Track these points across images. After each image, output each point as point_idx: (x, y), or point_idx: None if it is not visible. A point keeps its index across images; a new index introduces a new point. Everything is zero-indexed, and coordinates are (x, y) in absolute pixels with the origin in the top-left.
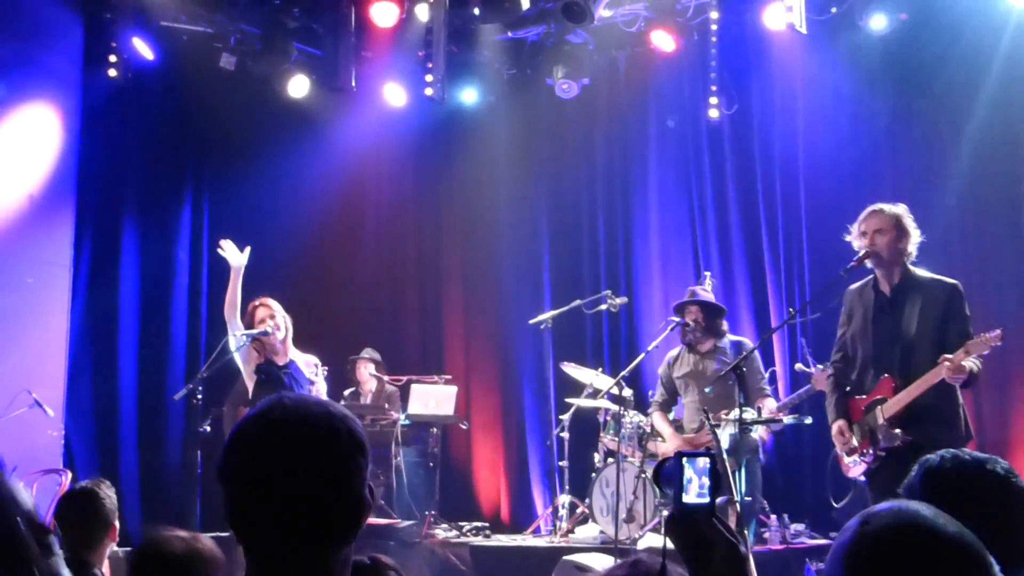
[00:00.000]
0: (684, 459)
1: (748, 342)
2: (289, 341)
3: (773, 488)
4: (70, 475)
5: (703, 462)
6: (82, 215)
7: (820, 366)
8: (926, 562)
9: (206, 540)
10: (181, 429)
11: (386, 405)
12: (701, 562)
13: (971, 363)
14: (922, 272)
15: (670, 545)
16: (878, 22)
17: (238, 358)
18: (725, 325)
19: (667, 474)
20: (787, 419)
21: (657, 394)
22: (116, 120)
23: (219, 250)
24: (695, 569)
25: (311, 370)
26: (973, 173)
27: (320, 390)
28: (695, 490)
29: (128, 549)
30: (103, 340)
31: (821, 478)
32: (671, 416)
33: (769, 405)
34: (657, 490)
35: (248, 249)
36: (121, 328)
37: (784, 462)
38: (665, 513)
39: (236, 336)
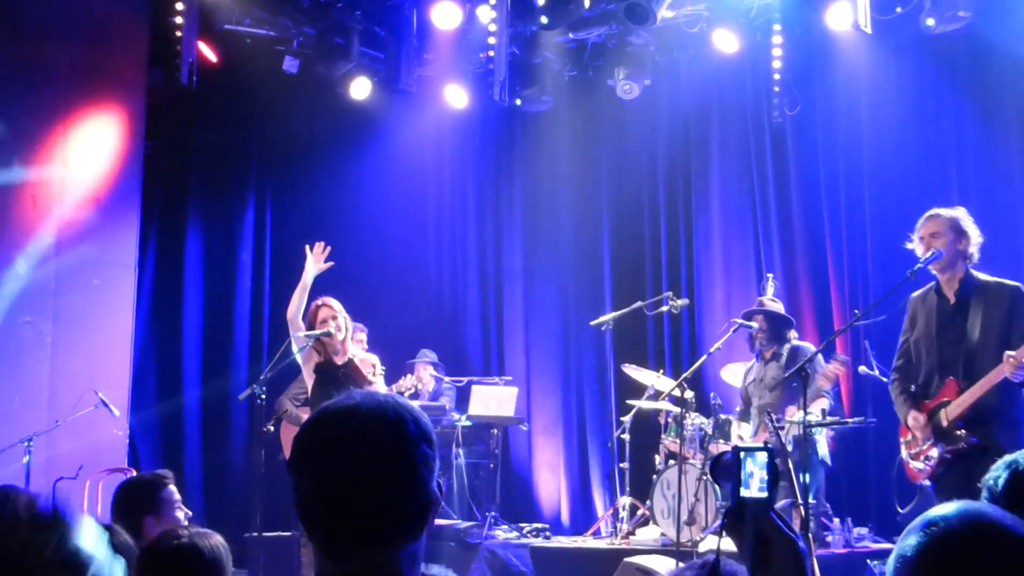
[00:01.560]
0: (743, 453)
1: (809, 346)
2: (349, 341)
3: (837, 492)
4: (134, 474)
5: (762, 456)
6: (147, 217)
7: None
8: (997, 562)
9: (212, 537)
10: (244, 429)
11: (444, 402)
12: (760, 557)
13: None
14: (984, 276)
15: (727, 540)
16: (942, 21)
17: (299, 358)
18: (793, 333)
19: (724, 468)
20: (852, 421)
21: (740, 404)
22: (180, 123)
23: (307, 248)
24: (754, 564)
25: (369, 370)
26: None
27: (379, 390)
28: (756, 484)
29: None
30: (167, 340)
31: (885, 482)
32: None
33: (821, 404)
34: (716, 488)
35: (331, 264)
36: (185, 329)
37: (848, 465)
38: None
39: (299, 337)
